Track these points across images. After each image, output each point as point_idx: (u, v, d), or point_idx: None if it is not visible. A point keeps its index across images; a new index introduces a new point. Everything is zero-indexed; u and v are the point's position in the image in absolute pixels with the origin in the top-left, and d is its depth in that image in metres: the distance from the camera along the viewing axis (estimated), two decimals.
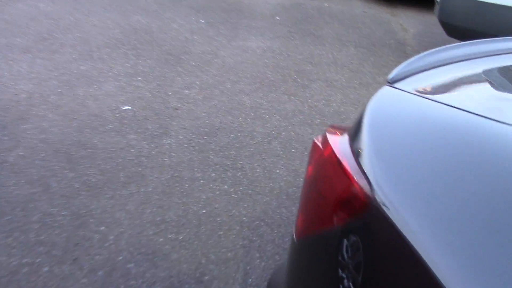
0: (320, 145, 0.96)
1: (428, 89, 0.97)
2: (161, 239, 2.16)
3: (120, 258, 2.03)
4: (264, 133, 3.17)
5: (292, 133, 3.20)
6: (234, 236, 2.23)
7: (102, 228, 2.19)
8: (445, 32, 4.21)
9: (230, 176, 2.67)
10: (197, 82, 3.83)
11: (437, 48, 1.26)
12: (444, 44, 5.34)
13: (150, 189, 2.49)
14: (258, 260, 2.10)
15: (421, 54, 1.21)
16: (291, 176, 2.73)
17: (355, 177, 0.77)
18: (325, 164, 0.88)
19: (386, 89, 0.98)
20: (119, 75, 3.82)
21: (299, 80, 4.08)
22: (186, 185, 2.55)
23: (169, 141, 2.95)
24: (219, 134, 3.09)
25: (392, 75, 1.06)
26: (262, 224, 2.33)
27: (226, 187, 2.58)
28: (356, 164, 0.78)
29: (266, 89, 3.84)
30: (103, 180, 2.52)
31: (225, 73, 4.07)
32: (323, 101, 3.72)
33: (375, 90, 4.11)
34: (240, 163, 2.80)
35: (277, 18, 5.86)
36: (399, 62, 4.63)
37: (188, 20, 5.41)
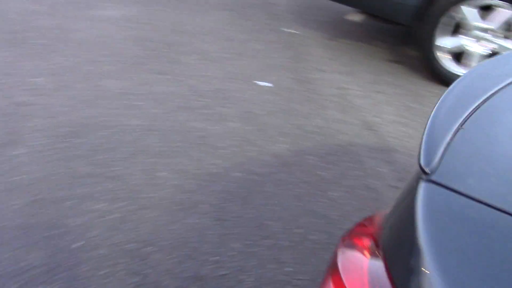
0: None
1: (483, 182, 0.66)
2: None
3: None
4: (139, 125, 2.72)
5: (171, 122, 2.79)
6: (121, 273, 1.82)
7: None
8: None
9: (105, 189, 2.21)
10: (49, 67, 3.21)
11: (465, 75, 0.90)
12: (319, 4, 5.01)
13: (3, 224, 1.96)
14: None
15: (445, 95, 0.85)
16: (179, 178, 2.35)
17: None
18: None
19: (429, 189, 0.65)
20: None
21: (170, 54, 3.62)
22: (51, 210, 2.05)
23: (21, 151, 2.39)
24: (85, 134, 2.58)
25: (423, 159, 0.71)
26: (153, 249, 1.94)
27: (102, 205, 2.12)
28: None
29: (133, 68, 3.34)
30: None
31: (82, 52, 3.48)
32: (201, 78, 3.33)
33: (252, 59, 3.72)
34: (115, 170, 2.35)
35: None
36: (271, 25, 4.21)
37: None
